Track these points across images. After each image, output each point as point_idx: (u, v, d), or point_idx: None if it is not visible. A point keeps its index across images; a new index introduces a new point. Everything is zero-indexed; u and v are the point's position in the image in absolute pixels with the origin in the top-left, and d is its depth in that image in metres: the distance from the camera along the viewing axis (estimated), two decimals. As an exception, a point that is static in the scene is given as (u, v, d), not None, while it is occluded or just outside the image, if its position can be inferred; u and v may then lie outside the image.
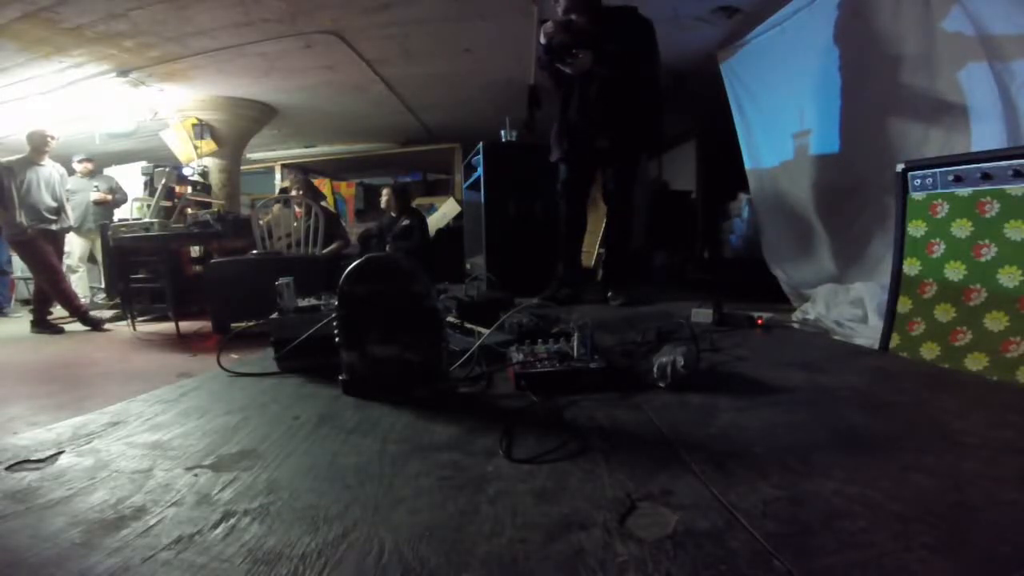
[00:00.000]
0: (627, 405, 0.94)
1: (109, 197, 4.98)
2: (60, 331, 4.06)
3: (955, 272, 1.53)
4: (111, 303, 4.99)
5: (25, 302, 5.80)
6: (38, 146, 3.96)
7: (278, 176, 7.52)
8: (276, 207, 4.08)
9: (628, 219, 2.52)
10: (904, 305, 1.66)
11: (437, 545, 0.52)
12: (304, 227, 3.85)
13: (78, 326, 4.16)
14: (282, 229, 3.93)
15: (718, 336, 1.48)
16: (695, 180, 5.95)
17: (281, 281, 1.27)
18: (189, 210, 4.32)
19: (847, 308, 2.26)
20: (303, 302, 1.31)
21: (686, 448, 0.74)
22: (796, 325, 2.14)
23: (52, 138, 3.99)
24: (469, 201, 4.43)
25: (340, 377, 1.03)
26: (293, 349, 1.20)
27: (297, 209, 4.09)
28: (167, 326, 4.01)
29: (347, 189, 8.19)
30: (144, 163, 5.56)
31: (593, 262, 4.54)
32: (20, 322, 4.77)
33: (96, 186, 4.95)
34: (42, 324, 4.09)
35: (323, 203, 4.38)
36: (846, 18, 2.47)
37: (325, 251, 3.98)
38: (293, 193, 4.29)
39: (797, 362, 1.26)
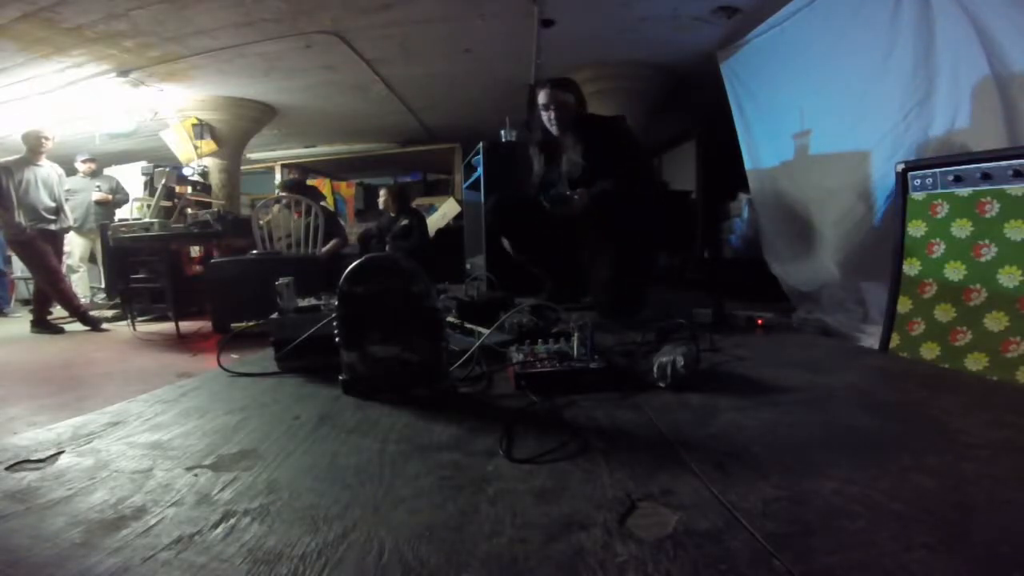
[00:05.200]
0: (627, 405, 0.94)
1: (110, 197, 4.98)
2: (60, 331, 4.06)
3: (955, 272, 1.53)
4: (111, 303, 4.99)
5: (25, 302, 5.80)
6: (33, 146, 3.96)
7: (278, 176, 7.53)
8: (276, 207, 4.08)
9: (640, 252, 2.06)
10: (904, 305, 1.66)
11: (437, 545, 0.52)
12: (304, 224, 3.85)
13: (78, 326, 4.16)
14: (282, 230, 3.93)
15: (718, 336, 1.48)
16: (695, 180, 5.95)
17: (281, 281, 1.27)
18: (189, 210, 4.32)
19: (847, 308, 2.26)
20: (303, 302, 1.31)
21: (686, 448, 0.74)
22: (796, 325, 2.14)
23: (46, 138, 3.99)
24: (469, 201, 4.43)
25: (340, 377, 1.03)
26: (293, 349, 1.20)
27: (296, 211, 4.09)
28: (167, 326, 4.01)
29: (347, 189, 8.19)
30: (144, 163, 5.56)
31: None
32: (20, 322, 4.77)
33: (98, 186, 4.96)
34: (42, 324, 4.09)
35: (322, 203, 4.38)
36: (846, 18, 2.48)
37: (323, 249, 3.98)
38: (283, 201, 4.29)
39: (797, 362, 1.25)
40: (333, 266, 3.59)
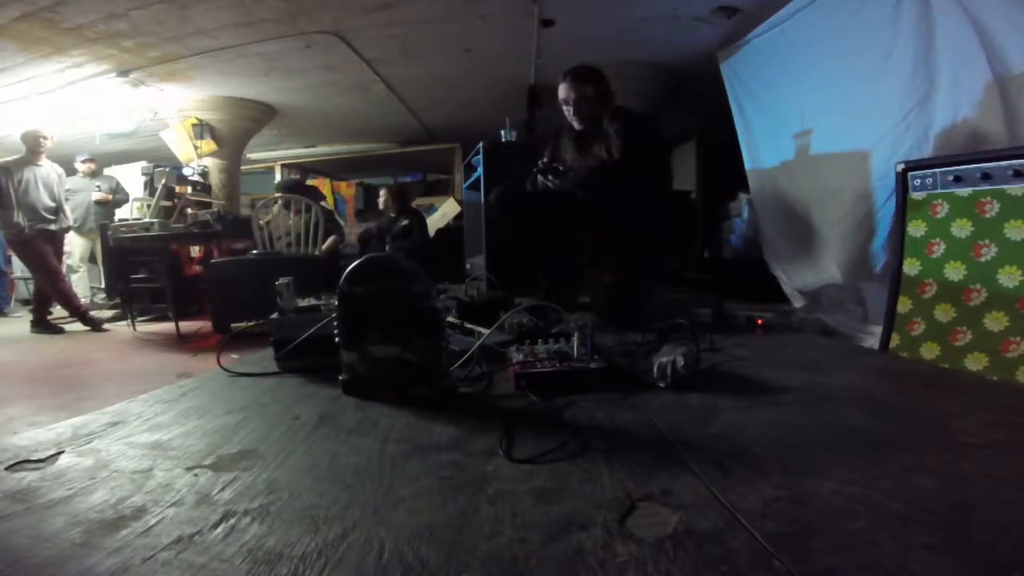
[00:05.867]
0: (627, 405, 0.94)
1: (110, 197, 4.98)
2: (60, 331, 4.06)
3: (955, 272, 1.53)
4: (111, 303, 4.99)
5: (25, 302, 5.80)
6: (32, 146, 3.95)
7: (278, 176, 7.52)
8: (276, 207, 4.08)
9: (644, 253, 1.96)
10: (904, 305, 1.66)
11: (437, 545, 0.52)
12: (303, 220, 3.85)
13: (78, 326, 4.16)
14: (282, 229, 3.93)
15: (718, 336, 1.48)
16: (695, 180, 5.94)
17: (281, 281, 1.27)
18: (189, 210, 4.32)
19: (847, 308, 2.26)
20: (303, 302, 1.31)
21: (686, 448, 0.74)
22: (796, 325, 2.14)
23: (44, 138, 3.98)
24: (469, 201, 4.43)
25: (340, 377, 1.03)
26: (293, 349, 1.20)
27: (294, 211, 4.09)
28: (167, 326, 4.01)
29: (347, 189, 8.20)
30: (144, 163, 5.56)
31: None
32: (20, 322, 4.77)
33: (98, 186, 4.96)
34: (42, 324, 4.09)
35: (321, 203, 4.38)
36: (846, 18, 2.48)
37: (323, 247, 3.98)
38: (281, 202, 4.28)
39: (797, 362, 1.25)
40: (333, 266, 3.59)
